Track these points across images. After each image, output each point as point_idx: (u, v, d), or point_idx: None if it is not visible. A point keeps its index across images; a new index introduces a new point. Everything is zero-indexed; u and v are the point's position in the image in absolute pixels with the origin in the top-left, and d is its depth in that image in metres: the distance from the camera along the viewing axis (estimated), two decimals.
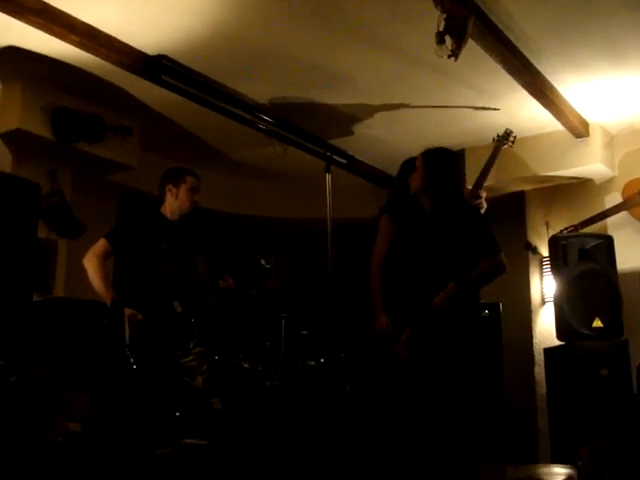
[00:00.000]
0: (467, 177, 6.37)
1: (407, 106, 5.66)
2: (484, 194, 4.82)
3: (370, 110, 5.79)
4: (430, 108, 5.73)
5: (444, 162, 3.96)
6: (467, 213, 3.94)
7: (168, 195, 4.58)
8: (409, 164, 4.81)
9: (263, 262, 4.70)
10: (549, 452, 5.62)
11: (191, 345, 4.43)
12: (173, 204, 4.57)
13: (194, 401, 4.23)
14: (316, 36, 4.61)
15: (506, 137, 5.36)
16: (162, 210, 4.59)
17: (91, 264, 4.36)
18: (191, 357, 4.38)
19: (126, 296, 4.33)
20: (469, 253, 3.82)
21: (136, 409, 3.99)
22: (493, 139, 5.35)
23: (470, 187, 5.28)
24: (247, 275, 4.97)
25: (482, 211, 4.78)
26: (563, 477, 3.38)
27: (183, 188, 4.57)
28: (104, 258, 4.42)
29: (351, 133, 6.22)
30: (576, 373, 5.21)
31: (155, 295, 4.39)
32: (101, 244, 4.43)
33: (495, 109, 5.68)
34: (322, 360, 5.63)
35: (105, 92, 5.39)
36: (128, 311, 4.20)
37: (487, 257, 3.82)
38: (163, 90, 5.10)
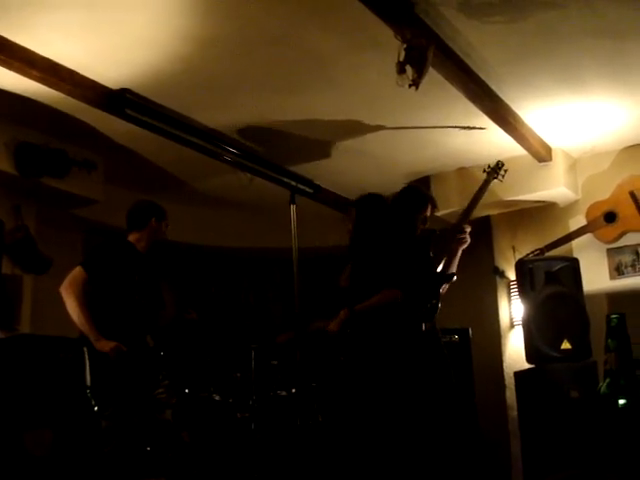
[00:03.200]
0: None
1: (382, 128, 5.62)
2: (469, 229, 4.65)
3: (337, 136, 5.80)
4: (396, 136, 5.74)
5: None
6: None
7: (149, 228, 4.57)
8: (414, 194, 4.77)
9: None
10: (522, 476, 5.62)
11: (160, 377, 4.39)
12: (150, 237, 4.58)
13: (163, 435, 4.18)
14: (278, 65, 4.63)
15: (497, 170, 4.95)
16: (132, 241, 4.56)
17: (71, 293, 4.18)
18: (161, 390, 4.33)
19: (100, 328, 4.23)
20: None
21: (108, 449, 3.89)
22: (484, 170, 5.00)
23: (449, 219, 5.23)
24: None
25: (464, 246, 4.65)
26: None
27: (164, 225, 4.62)
28: (83, 287, 4.26)
29: (318, 159, 6.20)
30: (546, 396, 5.22)
31: (130, 327, 4.34)
32: (79, 273, 4.26)
33: (481, 128, 5.59)
34: (293, 390, 5.60)
35: (69, 126, 5.36)
36: (111, 343, 4.08)
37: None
38: (127, 124, 5.08)
